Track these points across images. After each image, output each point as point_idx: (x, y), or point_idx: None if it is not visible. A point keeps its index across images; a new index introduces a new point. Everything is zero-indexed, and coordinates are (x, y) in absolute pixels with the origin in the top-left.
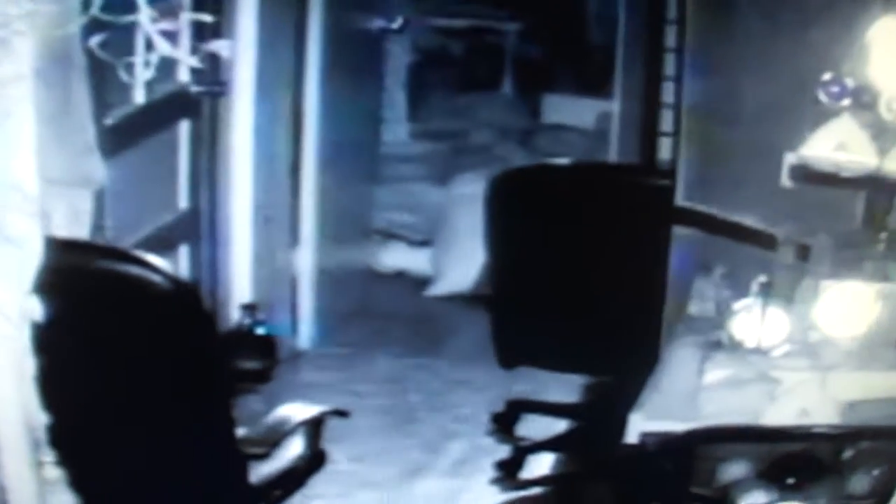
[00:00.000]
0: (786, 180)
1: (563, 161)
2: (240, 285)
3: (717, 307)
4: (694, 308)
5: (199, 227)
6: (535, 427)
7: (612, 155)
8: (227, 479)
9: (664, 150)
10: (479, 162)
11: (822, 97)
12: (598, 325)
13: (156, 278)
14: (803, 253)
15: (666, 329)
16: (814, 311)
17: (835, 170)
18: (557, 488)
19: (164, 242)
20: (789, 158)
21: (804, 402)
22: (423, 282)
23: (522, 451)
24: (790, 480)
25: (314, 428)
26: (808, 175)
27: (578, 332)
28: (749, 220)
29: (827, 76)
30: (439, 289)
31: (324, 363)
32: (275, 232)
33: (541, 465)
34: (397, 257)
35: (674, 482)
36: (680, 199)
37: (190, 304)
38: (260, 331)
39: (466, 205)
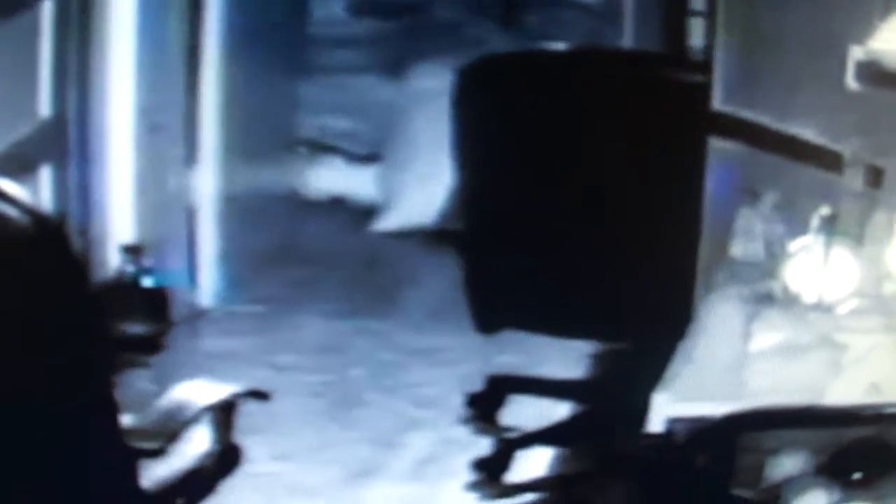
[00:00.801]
0: (851, 81)
1: (558, 47)
2: (119, 219)
3: (767, 247)
4: (737, 248)
5: (66, 141)
6: (526, 413)
7: (626, 40)
8: (109, 482)
9: (695, 34)
10: (445, 46)
11: None
12: (609, 272)
13: (8, 211)
14: (875, 177)
15: (701, 277)
16: (889, 253)
17: None
18: (556, 495)
19: (19, 162)
20: (855, 53)
21: (876, 373)
22: (368, 212)
23: (509, 446)
24: (857, 475)
25: (224, 414)
26: (879, 75)
27: (583, 282)
28: (807, 133)
29: None
30: (391, 222)
31: (234, 325)
32: (165, 146)
33: (533, 463)
34: (333, 178)
35: (710, 482)
36: (717, 102)
37: (53, 245)
38: (147, 282)
39: (427, 105)
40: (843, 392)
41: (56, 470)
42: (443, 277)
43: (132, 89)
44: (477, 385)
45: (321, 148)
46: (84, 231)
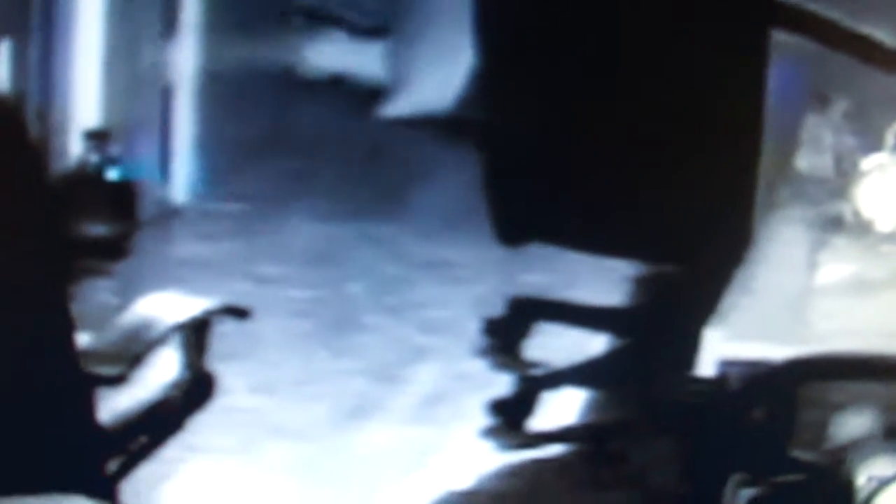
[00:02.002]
0: None
1: None
2: (84, 101)
3: (837, 163)
4: (803, 161)
5: (28, 11)
6: (554, 345)
7: None
8: (58, 415)
9: None
10: None
11: None
12: (656, 181)
13: None
14: None
15: (762, 192)
16: None
17: None
18: (587, 447)
19: None
20: None
21: None
22: (373, 95)
23: (532, 385)
24: None
25: (195, 335)
26: None
27: (625, 191)
28: (880, 34)
29: None
30: (400, 107)
31: (210, 227)
32: (139, 15)
33: (560, 408)
34: (333, 54)
35: (766, 440)
36: None
37: (6, 130)
38: (112, 174)
39: None
40: None
41: None
42: (460, 176)
43: None
44: (496, 308)
45: (319, 18)
46: (43, 114)
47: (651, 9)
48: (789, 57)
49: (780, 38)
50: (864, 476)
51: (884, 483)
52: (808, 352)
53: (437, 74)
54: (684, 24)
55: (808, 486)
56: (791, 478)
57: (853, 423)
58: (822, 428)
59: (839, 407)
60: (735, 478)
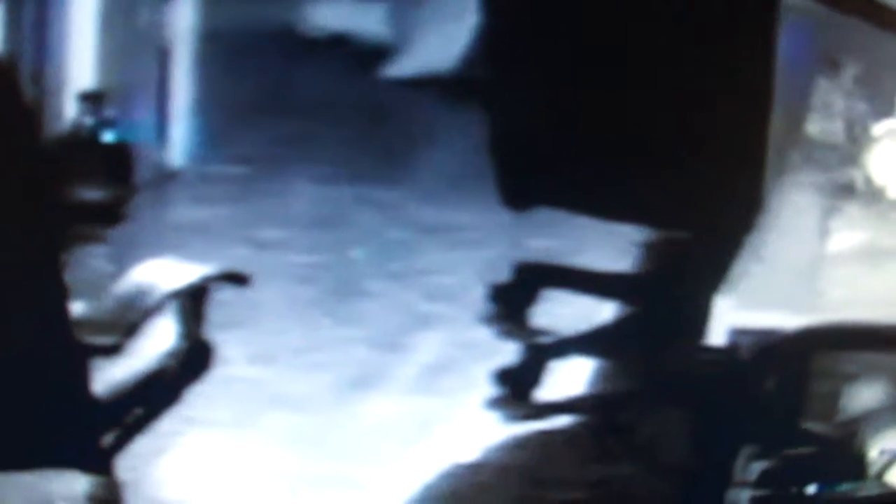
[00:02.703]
0: None
1: None
2: (79, 62)
3: (848, 128)
4: (813, 126)
5: None
6: (562, 313)
7: None
8: (51, 386)
9: None
10: None
11: None
12: (666, 145)
13: None
14: None
15: (772, 157)
16: None
17: None
18: (594, 418)
19: None
20: None
21: None
22: (376, 54)
23: (539, 354)
24: None
25: (193, 303)
26: None
27: (635, 154)
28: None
29: None
30: (404, 67)
31: (209, 191)
32: None
33: (568, 378)
34: (335, 13)
35: (777, 411)
36: None
37: (1, 91)
38: (108, 136)
39: None
40: None
41: None
42: (465, 137)
43: None
44: (503, 274)
45: None
46: (37, 75)
47: None
48: (800, 20)
49: (791, 1)
50: (876, 449)
51: None
52: (819, 321)
53: (443, 34)
54: None
55: (820, 459)
56: (803, 450)
57: (865, 395)
58: (833, 399)
59: (851, 378)
60: (746, 450)
